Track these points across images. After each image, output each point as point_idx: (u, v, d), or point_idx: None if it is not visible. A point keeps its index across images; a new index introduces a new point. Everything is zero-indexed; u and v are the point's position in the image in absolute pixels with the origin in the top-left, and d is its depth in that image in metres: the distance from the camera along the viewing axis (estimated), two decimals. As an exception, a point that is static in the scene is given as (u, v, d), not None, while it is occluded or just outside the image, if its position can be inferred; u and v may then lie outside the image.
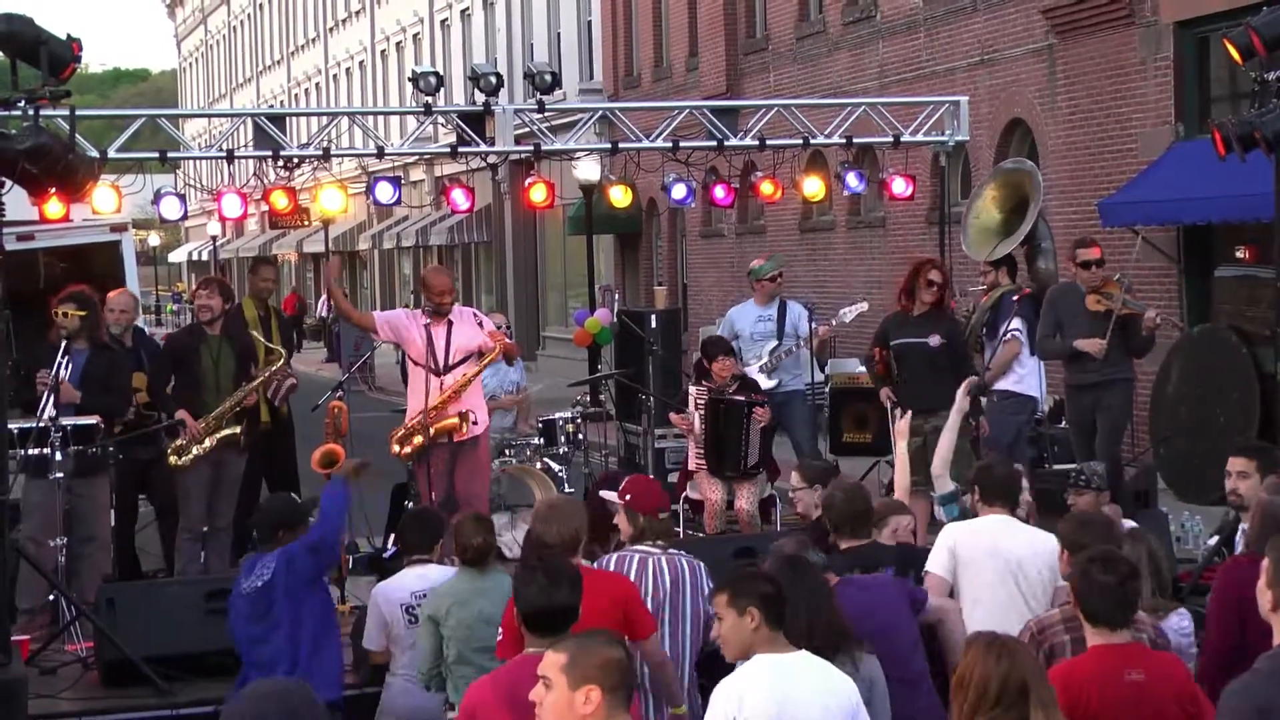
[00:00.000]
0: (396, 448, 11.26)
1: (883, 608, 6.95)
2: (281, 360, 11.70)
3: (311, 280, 60.05)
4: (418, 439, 11.18)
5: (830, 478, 8.78)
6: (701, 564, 7.46)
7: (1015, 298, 12.38)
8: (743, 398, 12.15)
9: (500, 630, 6.78)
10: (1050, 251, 13.01)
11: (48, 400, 10.34)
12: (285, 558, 7.92)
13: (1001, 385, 12.27)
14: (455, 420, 11.17)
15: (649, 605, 7.08)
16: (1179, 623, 7.10)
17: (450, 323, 11.32)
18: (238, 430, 11.16)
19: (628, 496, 7.57)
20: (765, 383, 13.37)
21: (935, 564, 7.70)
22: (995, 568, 7.54)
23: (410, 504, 12.49)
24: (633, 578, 7.19)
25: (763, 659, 5.54)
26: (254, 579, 7.89)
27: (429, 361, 11.26)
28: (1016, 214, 12.88)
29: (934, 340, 11.53)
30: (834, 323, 13.90)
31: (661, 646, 7.04)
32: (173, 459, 11.01)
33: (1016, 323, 12.25)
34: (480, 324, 11.53)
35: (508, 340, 11.69)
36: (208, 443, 11.03)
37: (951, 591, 7.69)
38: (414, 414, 11.25)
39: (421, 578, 8.24)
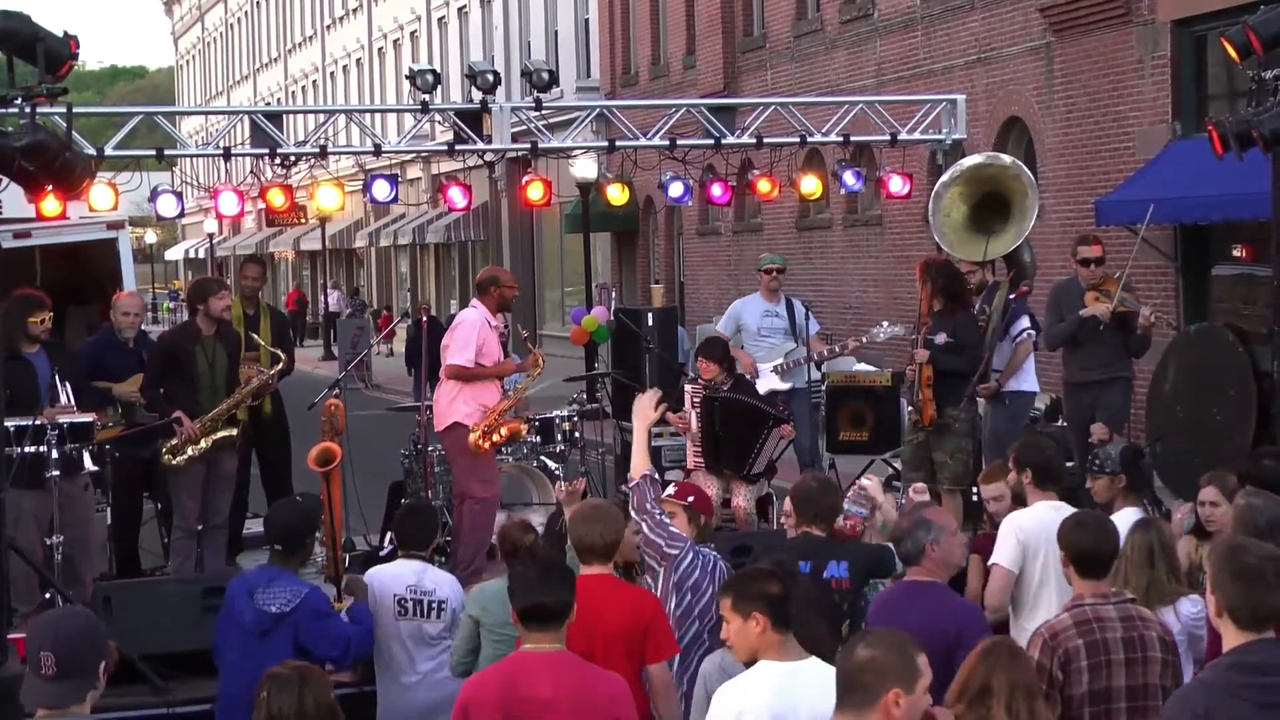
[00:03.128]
0: (482, 441, 11.25)
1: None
2: (282, 364, 11.71)
3: (308, 277, 60.04)
4: (496, 436, 11.36)
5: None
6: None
7: (1013, 296, 12.38)
8: (770, 410, 12.11)
9: None
10: (1025, 242, 12.98)
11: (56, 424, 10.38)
12: (311, 612, 7.67)
13: (1012, 386, 12.32)
14: (522, 426, 11.67)
15: None
16: (1190, 609, 7.08)
17: (496, 327, 11.61)
18: (234, 433, 11.17)
19: (690, 498, 7.60)
20: (779, 384, 13.32)
21: (1004, 557, 7.60)
22: (1055, 556, 7.35)
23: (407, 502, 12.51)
24: (714, 579, 7.20)
25: (766, 667, 5.49)
26: (274, 600, 7.64)
27: (505, 366, 11.64)
28: (986, 208, 12.71)
29: (940, 338, 11.56)
30: (864, 340, 13.81)
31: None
32: (167, 458, 11.01)
33: (1025, 321, 12.30)
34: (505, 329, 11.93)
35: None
36: (204, 443, 11.02)
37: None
38: (481, 411, 11.34)
39: (418, 572, 8.25)
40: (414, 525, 8.55)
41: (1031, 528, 7.61)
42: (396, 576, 8.22)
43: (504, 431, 11.40)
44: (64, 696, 4.68)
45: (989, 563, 7.74)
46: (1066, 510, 7.58)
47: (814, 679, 5.43)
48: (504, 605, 7.35)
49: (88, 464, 10.64)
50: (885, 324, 14.08)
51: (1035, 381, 12.73)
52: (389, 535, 12.54)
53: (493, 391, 11.44)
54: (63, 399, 10.60)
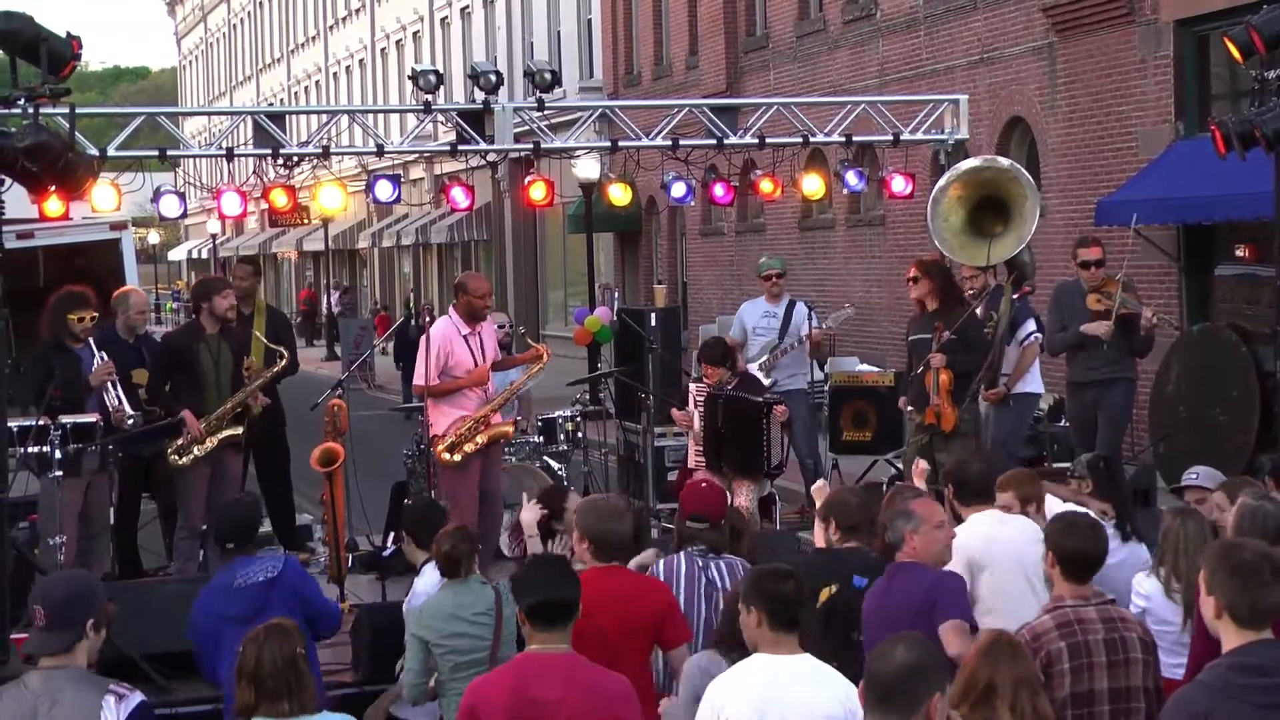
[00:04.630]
0: (447, 455, 11.31)
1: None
2: (285, 361, 11.74)
3: (311, 277, 60.08)
4: (468, 446, 11.36)
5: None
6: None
7: (1015, 296, 12.38)
8: (759, 399, 12.10)
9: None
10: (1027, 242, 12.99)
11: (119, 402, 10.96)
12: (298, 571, 7.79)
13: (1018, 388, 12.32)
14: (509, 429, 11.64)
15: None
16: None
17: (480, 333, 11.63)
18: (239, 431, 11.19)
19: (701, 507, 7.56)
20: (764, 381, 13.34)
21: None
22: (1008, 565, 7.49)
23: (410, 502, 12.49)
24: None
25: (757, 660, 5.52)
26: (258, 572, 7.68)
27: (481, 373, 11.57)
28: (987, 211, 12.70)
29: (943, 336, 11.58)
30: (824, 326, 13.85)
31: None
32: (173, 458, 11.04)
33: (1032, 324, 12.31)
34: (500, 329, 11.97)
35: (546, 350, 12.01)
36: (209, 443, 11.05)
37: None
38: (456, 421, 11.41)
39: None
40: (426, 525, 8.55)
41: (974, 544, 7.49)
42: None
43: (480, 440, 11.36)
44: (49, 644, 5.29)
45: None
46: (1007, 520, 7.69)
47: (803, 674, 5.47)
48: (443, 619, 7.36)
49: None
50: (836, 313, 14.15)
51: (1040, 382, 12.74)
52: (392, 535, 12.55)
53: (472, 400, 11.49)
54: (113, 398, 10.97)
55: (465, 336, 11.52)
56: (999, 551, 7.52)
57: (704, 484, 8.09)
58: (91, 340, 11.14)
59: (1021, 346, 12.28)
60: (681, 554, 7.44)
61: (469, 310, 11.55)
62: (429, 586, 7.95)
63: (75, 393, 10.92)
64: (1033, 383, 12.56)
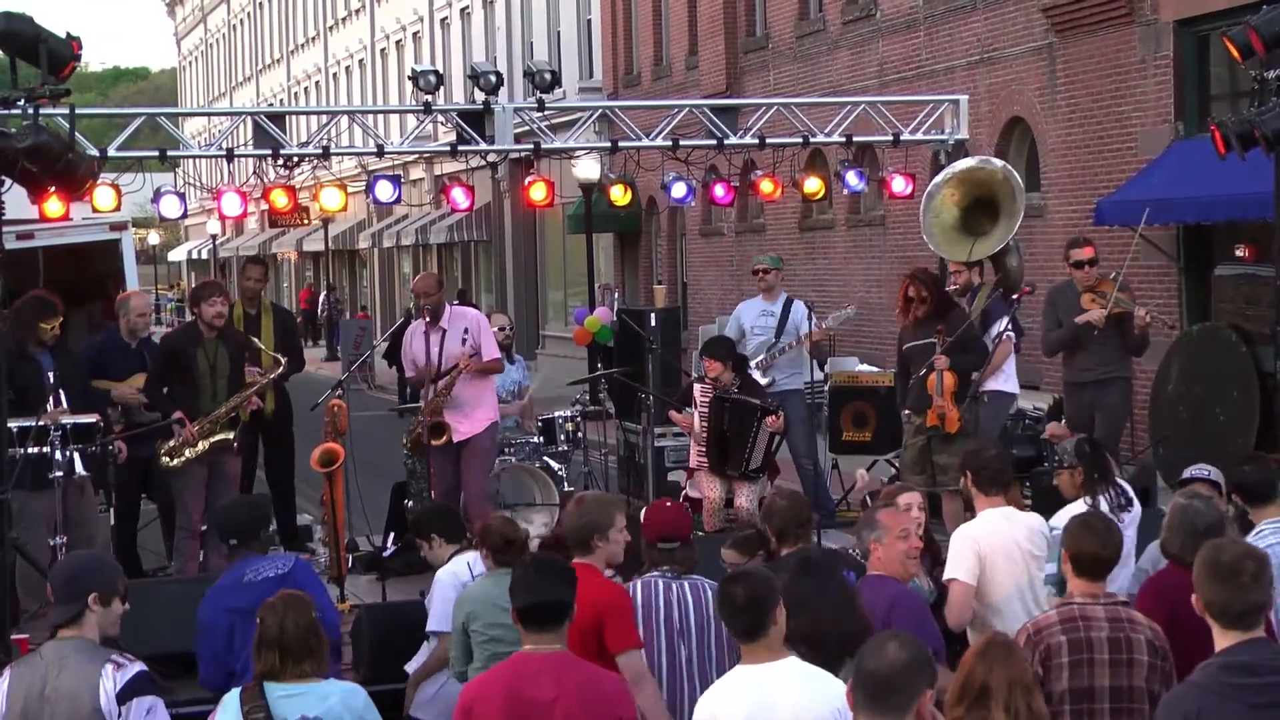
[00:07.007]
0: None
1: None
2: (281, 367, 11.73)
3: (311, 278, 60.06)
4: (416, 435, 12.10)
5: (762, 545, 8.31)
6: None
7: (1015, 296, 12.38)
8: (757, 401, 12.11)
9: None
10: (1015, 248, 12.99)
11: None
12: (306, 571, 7.76)
13: (991, 386, 12.27)
14: (433, 428, 11.85)
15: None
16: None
17: (444, 330, 11.88)
18: (230, 436, 11.16)
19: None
20: (761, 380, 13.32)
21: (961, 571, 7.62)
22: (1015, 564, 7.65)
23: (410, 503, 12.51)
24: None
25: (741, 671, 5.50)
26: (264, 569, 7.62)
27: (427, 369, 11.90)
28: (979, 211, 12.73)
29: (946, 340, 11.58)
30: (824, 325, 13.84)
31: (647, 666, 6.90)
32: (164, 460, 11.01)
33: (1004, 322, 12.27)
34: (466, 331, 11.96)
35: (473, 362, 11.95)
36: (201, 446, 11.02)
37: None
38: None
39: (475, 560, 8.25)
40: (448, 519, 8.61)
41: (986, 540, 7.68)
42: (468, 569, 8.19)
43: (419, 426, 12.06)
44: (56, 616, 5.93)
45: (945, 578, 7.76)
46: (1017, 518, 7.84)
47: (789, 678, 5.43)
48: (489, 606, 7.32)
49: (79, 468, 10.67)
50: (837, 312, 14.13)
51: (1015, 383, 12.64)
52: (391, 537, 12.56)
53: (464, 389, 11.91)
54: (57, 404, 10.63)
55: (426, 333, 11.93)
56: (1004, 545, 7.67)
57: (667, 503, 8.03)
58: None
59: (994, 343, 12.24)
60: (653, 577, 7.31)
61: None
62: (460, 573, 8.08)
63: (36, 399, 10.55)
64: (1007, 383, 12.46)
